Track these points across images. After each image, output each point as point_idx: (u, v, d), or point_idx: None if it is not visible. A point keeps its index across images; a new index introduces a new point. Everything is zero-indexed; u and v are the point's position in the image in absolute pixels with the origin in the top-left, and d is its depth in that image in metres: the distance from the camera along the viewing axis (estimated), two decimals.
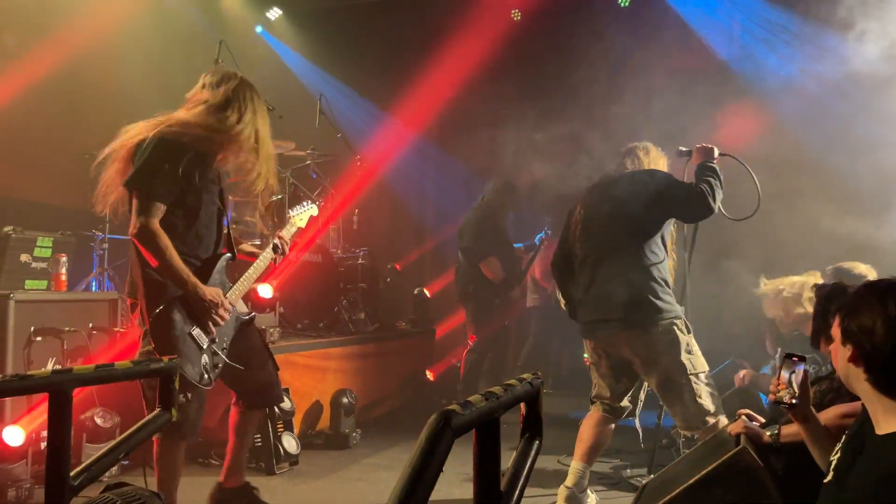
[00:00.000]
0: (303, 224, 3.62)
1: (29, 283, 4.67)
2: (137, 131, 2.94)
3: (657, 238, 3.47)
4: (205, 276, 2.97)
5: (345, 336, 5.97)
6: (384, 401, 6.03)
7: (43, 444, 3.70)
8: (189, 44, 7.26)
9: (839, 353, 1.78)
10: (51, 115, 5.91)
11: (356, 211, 7.16)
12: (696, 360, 3.37)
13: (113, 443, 1.83)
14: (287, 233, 3.43)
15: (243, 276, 3.17)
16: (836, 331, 1.81)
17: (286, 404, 4.41)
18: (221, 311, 2.93)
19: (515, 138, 7.34)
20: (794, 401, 2.05)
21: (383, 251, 7.48)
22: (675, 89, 7.36)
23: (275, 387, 3.25)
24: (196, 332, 2.92)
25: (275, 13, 8.53)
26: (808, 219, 5.66)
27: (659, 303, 3.35)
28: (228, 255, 3.13)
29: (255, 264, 3.23)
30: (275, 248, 3.31)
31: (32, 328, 3.82)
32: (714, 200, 3.37)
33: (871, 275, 3.72)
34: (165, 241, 2.81)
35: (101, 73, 6.52)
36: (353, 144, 7.01)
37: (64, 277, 4.45)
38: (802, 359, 2.08)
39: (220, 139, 2.96)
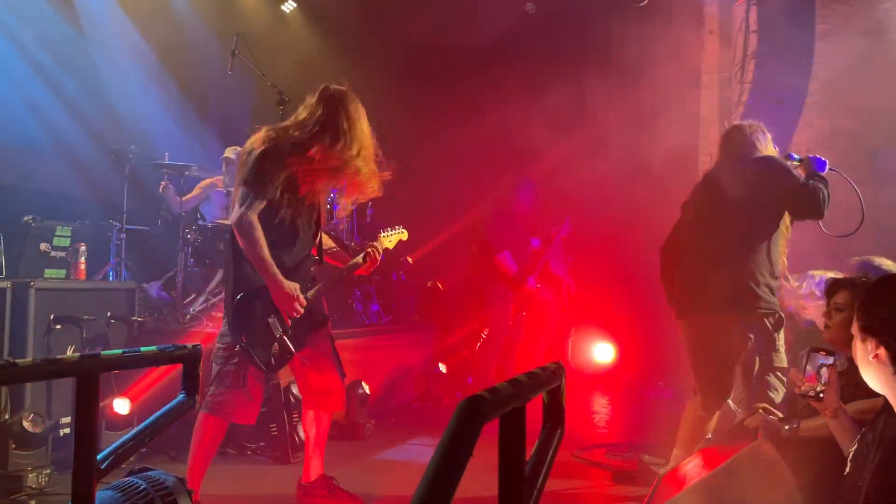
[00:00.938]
0: (391, 245, 3.74)
1: (48, 272, 4.73)
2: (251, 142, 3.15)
3: (771, 229, 3.52)
4: (289, 273, 3.13)
5: (358, 328, 6.00)
6: (397, 393, 6.06)
7: (62, 432, 3.76)
8: (206, 37, 7.29)
9: (859, 349, 1.76)
10: (70, 105, 5.96)
11: (370, 203, 7.17)
12: (777, 357, 3.45)
13: (138, 427, 1.85)
14: (374, 251, 3.51)
15: (326, 280, 3.35)
16: (855, 326, 1.78)
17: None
18: (296, 305, 3.10)
19: (531, 132, 7.32)
20: (821, 395, 2.05)
21: (397, 244, 7.49)
22: (691, 82, 7.33)
23: (334, 393, 3.34)
24: (272, 320, 3.10)
25: (290, 6, 8.54)
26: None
27: (759, 291, 3.43)
28: (316, 257, 3.32)
29: (340, 271, 3.41)
30: (365, 258, 3.43)
31: (52, 316, 3.87)
32: (825, 205, 3.42)
33: None
34: (259, 234, 3.01)
35: (119, 65, 6.57)
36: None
37: (83, 266, 4.50)
38: (831, 353, 2.08)
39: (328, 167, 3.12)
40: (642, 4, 7.41)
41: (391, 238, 3.73)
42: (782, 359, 3.48)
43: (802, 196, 3.44)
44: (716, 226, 3.57)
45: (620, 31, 7.59)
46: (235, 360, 3.04)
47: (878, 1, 6.60)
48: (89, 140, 5.96)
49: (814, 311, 4.20)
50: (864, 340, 1.73)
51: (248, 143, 3.12)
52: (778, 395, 3.40)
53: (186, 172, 5.68)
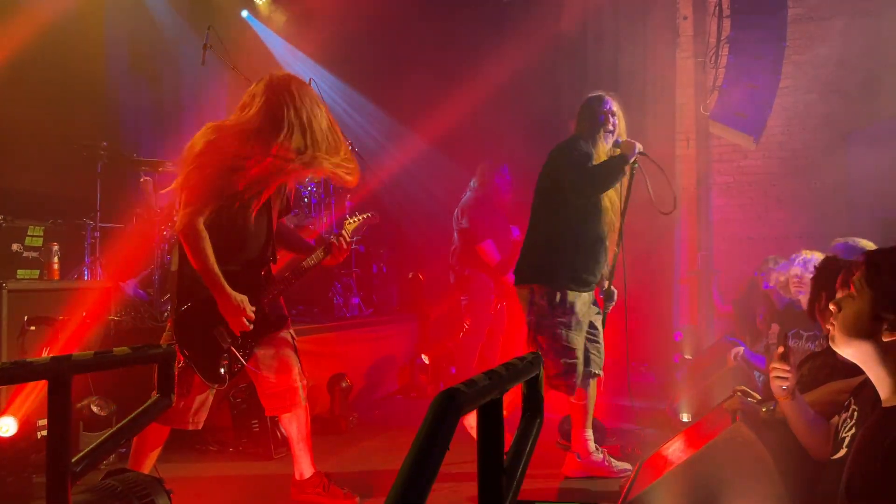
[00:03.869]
0: (351, 228, 3.58)
1: (21, 273, 4.65)
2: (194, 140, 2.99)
3: (565, 204, 3.65)
4: (239, 278, 3.00)
5: (340, 321, 5.97)
6: (380, 385, 6.05)
7: (40, 434, 3.70)
8: (176, 30, 7.19)
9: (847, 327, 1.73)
10: (39, 104, 5.85)
11: (348, 196, 7.14)
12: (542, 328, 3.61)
13: (113, 429, 1.83)
14: (340, 239, 3.38)
15: (282, 280, 3.19)
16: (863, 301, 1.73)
17: None
18: (243, 319, 2.95)
19: (508, 121, 7.31)
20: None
21: (376, 236, 7.47)
22: (666, 68, 7.35)
23: (289, 394, 3.21)
24: (219, 331, 2.98)
25: None
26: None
27: (542, 263, 3.64)
28: (270, 258, 3.18)
29: (299, 267, 3.24)
30: (328, 249, 3.30)
31: (26, 317, 3.80)
32: (591, 187, 3.58)
33: None
34: (205, 242, 2.86)
35: (90, 60, 6.46)
36: (343, 132, 6.97)
37: (56, 266, 4.43)
38: (786, 336, 2.12)
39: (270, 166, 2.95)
40: None
41: (353, 223, 3.61)
42: (559, 335, 3.59)
43: (571, 182, 3.59)
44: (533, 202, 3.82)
45: (594, 18, 7.59)
46: (180, 367, 2.91)
47: None
48: (60, 137, 5.86)
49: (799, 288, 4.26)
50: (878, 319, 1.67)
51: (191, 143, 2.95)
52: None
53: (161, 168, 5.60)
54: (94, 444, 1.74)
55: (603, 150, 3.72)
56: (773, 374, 2.13)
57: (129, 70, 6.92)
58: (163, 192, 5.53)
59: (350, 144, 6.53)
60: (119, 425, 1.85)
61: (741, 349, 4.63)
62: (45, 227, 4.88)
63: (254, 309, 3.02)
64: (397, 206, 8.22)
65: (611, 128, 3.77)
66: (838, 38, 6.64)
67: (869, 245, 3.68)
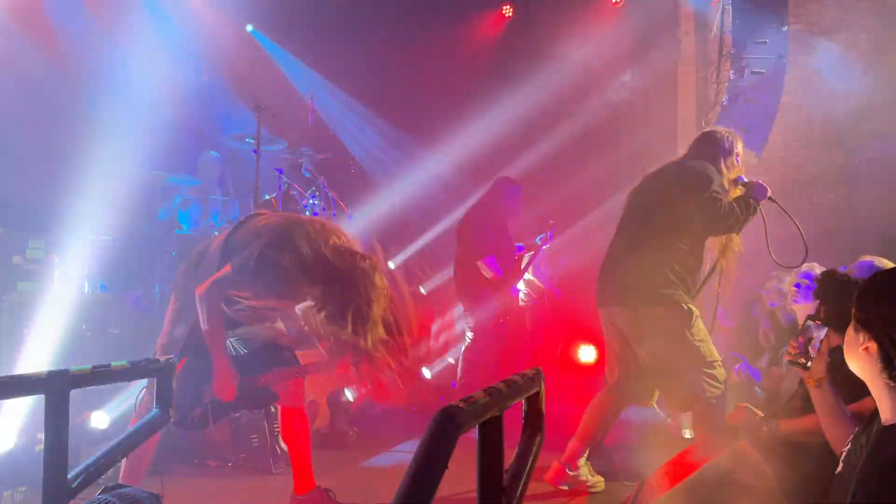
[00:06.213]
0: None
1: (21, 285, 4.63)
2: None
3: (670, 226, 3.53)
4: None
5: None
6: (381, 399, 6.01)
7: (37, 447, 3.68)
8: (177, 43, 7.21)
9: (851, 335, 1.73)
10: (38, 117, 5.87)
11: (349, 211, 7.14)
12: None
13: (111, 444, 1.82)
14: None
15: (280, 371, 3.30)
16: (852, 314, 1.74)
17: None
18: (223, 396, 3.06)
19: (512, 139, 7.33)
20: (808, 364, 2.06)
21: (377, 249, 7.44)
22: (668, 84, 7.36)
23: (266, 388, 3.26)
24: (205, 389, 3.08)
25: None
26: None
27: (659, 284, 3.46)
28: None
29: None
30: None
31: (25, 330, 3.80)
32: (728, 224, 3.47)
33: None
34: (218, 313, 2.96)
35: (88, 76, 6.49)
36: (349, 145, 6.99)
37: (57, 279, 4.42)
38: (807, 322, 2.11)
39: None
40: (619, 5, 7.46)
41: None
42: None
43: (705, 208, 3.45)
44: (627, 220, 3.71)
45: (597, 33, 7.62)
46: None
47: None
48: (64, 148, 5.87)
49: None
50: (857, 331, 1.70)
51: (262, 220, 3.06)
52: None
53: (162, 181, 5.61)
54: (92, 459, 1.73)
55: (726, 181, 3.64)
56: (787, 357, 2.14)
57: (127, 88, 6.94)
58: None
59: (354, 160, 6.57)
60: (117, 440, 1.84)
61: (743, 365, 4.61)
62: (47, 240, 4.87)
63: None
64: (399, 220, 8.23)
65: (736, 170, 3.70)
66: (840, 54, 6.66)
67: (884, 264, 3.66)
